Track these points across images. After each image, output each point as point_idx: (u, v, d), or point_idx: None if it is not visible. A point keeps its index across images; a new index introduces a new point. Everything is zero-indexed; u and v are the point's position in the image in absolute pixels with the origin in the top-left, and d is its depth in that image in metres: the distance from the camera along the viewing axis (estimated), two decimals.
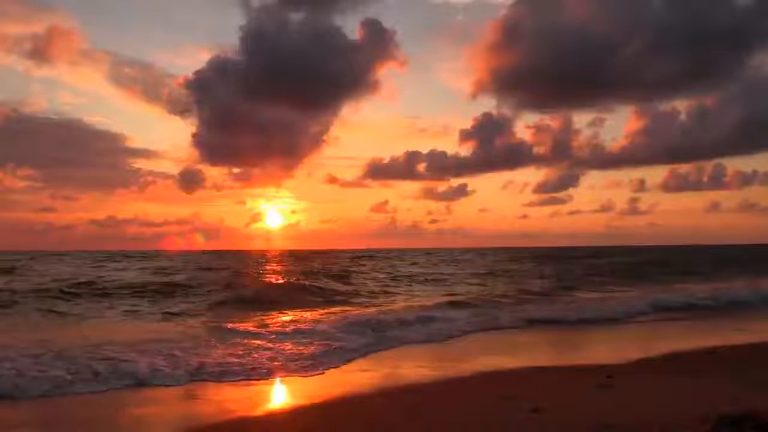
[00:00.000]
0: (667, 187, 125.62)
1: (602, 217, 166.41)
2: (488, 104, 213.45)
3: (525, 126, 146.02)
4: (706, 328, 15.79)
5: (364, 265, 48.78)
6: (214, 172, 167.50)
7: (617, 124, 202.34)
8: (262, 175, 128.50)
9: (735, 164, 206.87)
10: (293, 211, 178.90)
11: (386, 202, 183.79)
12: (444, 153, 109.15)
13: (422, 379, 9.07)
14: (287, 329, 13.50)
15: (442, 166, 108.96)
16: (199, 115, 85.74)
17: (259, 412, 7.30)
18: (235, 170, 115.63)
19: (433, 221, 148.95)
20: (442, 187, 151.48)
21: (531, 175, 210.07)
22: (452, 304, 18.72)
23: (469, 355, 11.72)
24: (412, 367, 10.23)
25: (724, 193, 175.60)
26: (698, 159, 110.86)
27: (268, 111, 76.74)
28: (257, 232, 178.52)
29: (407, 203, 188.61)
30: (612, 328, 15.64)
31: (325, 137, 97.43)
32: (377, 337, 12.93)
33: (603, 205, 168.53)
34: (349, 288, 26.27)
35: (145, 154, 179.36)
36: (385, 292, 24.62)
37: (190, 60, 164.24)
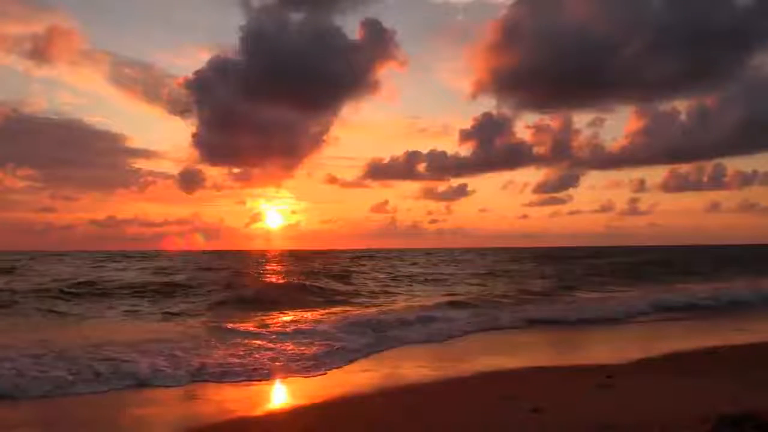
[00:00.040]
0: (667, 187, 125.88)
1: (602, 217, 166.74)
2: (488, 104, 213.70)
3: (525, 126, 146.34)
4: (707, 328, 15.79)
5: (364, 265, 48.78)
6: (214, 172, 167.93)
7: (617, 124, 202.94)
8: (262, 175, 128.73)
9: (735, 164, 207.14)
10: (293, 212, 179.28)
11: (386, 202, 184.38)
12: (444, 153, 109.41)
13: (423, 379, 9.07)
14: (288, 329, 13.50)
15: (442, 166, 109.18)
16: (199, 115, 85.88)
17: (259, 412, 7.30)
18: (235, 170, 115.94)
19: (433, 221, 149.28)
20: (442, 187, 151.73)
21: (531, 175, 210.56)
22: (452, 304, 18.72)
23: (469, 355, 11.72)
24: (412, 367, 10.23)
25: (724, 193, 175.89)
26: (698, 159, 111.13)
27: (268, 111, 76.90)
28: (257, 232, 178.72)
29: (407, 203, 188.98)
30: (612, 328, 15.64)
31: (325, 137, 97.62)
32: (378, 337, 12.93)
33: (603, 205, 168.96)
34: (350, 288, 26.28)
35: (145, 154, 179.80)
36: (386, 292, 24.63)
37: (190, 60, 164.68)
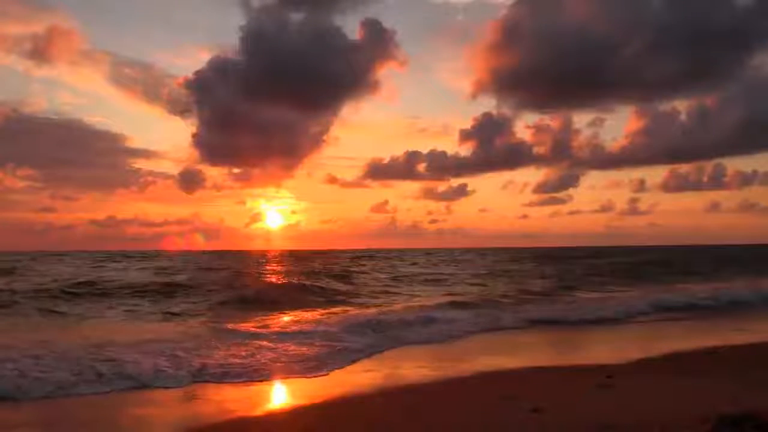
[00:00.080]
0: (667, 187, 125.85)
1: (602, 217, 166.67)
2: (488, 104, 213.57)
3: (525, 126, 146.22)
4: (707, 328, 15.80)
5: (364, 265, 48.80)
6: (214, 172, 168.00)
7: (617, 124, 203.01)
8: (262, 175, 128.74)
9: (735, 164, 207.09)
10: (293, 212, 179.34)
11: (386, 202, 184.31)
12: (444, 153, 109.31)
13: (423, 380, 9.09)
14: (289, 330, 13.53)
15: (442, 166, 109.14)
16: (199, 115, 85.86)
17: (259, 412, 7.32)
18: (235, 170, 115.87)
19: (433, 221, 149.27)
20: (442, 187, 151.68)
21: (531, 175, 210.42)
22: (453, 305, 18.73)
23: (469, 355, 11.74)
24: (412, 367, 10.25)
25: (724, 193, 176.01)
26: (698, 159, 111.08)
27: (268, 111, 76.89)
28: (257, 233, 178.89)
29: (407, 203, 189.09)
30: (612, 328, 15.66)
31: (325, 137, 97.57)
32: (378, 337, 12.95)
33: (603, 205, 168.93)
34: (350, 288, 26.29)
35: (145, 154, 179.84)
36: (386, 293, 24.64)
37: (190, 60, 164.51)
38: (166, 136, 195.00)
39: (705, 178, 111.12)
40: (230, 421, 6.83)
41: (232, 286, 25.05)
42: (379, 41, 73.29)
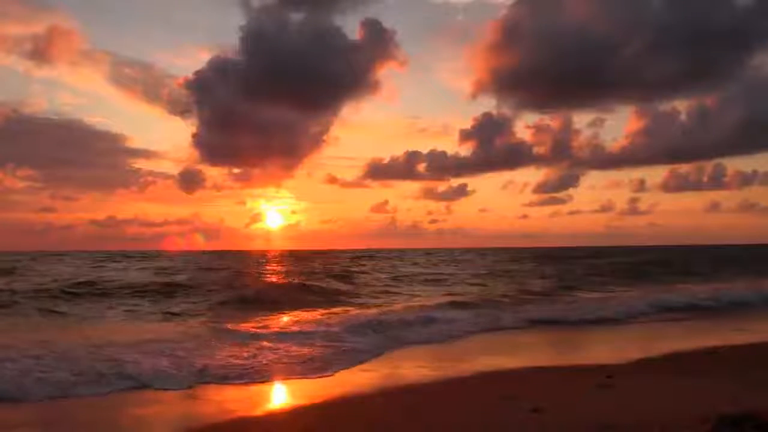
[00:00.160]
0: (667, 187, 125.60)
1: (602, 217, 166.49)
2: (488, 104, 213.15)
3: (525, 126, 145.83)
4: (707, 328, 15.81)
5: (364, 265, 48.81)
6: (214, 173, 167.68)
7: (617, 124, 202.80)
8: (262, 175, 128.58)
9: (735, 164, 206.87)
10: (293, 212, 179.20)
11: (386, 202, 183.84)
12: (444, 153, 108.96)
13: (423, 380, 9.09)
14: (289, 330, 13.53)
15: (442, 166, 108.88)
16: (199, 115, 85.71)
17: (259, 412, 7.33)
18: (235, 170, 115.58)
19: (433, 221, 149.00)
20: (442, 187, 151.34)
21: (531, 175, 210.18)
22: (453, 305, 18.73)
23: (469, 355, 11.74)
24: (412, 367, 10.25)
25: (724, 193, 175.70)
26: (698, 159, 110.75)
27: (268, 111, 76.76)
28: (257, 233, 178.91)
29: (407, 203, 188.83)
30: (612, 328, 15.66)
31: (325, 137, 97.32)
32: (378, 337, 12.95)
33: (603, 205, 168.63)
34: (350, 288, 26.30)
35: (145, 154, 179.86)
36: (386, 293, 24.64)
37: (190, 60, 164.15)
38: (166, 136, 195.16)
39: (705, 178, 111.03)
40: (230, 422, 6.83)
41: (233, 286, 25.07)
42: (379, 41, 73.25)
